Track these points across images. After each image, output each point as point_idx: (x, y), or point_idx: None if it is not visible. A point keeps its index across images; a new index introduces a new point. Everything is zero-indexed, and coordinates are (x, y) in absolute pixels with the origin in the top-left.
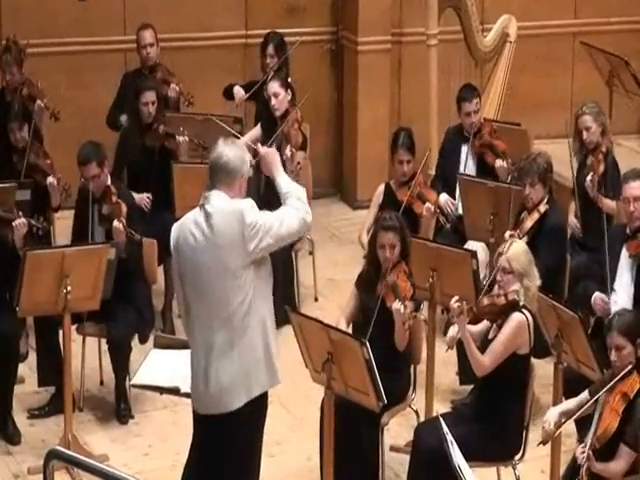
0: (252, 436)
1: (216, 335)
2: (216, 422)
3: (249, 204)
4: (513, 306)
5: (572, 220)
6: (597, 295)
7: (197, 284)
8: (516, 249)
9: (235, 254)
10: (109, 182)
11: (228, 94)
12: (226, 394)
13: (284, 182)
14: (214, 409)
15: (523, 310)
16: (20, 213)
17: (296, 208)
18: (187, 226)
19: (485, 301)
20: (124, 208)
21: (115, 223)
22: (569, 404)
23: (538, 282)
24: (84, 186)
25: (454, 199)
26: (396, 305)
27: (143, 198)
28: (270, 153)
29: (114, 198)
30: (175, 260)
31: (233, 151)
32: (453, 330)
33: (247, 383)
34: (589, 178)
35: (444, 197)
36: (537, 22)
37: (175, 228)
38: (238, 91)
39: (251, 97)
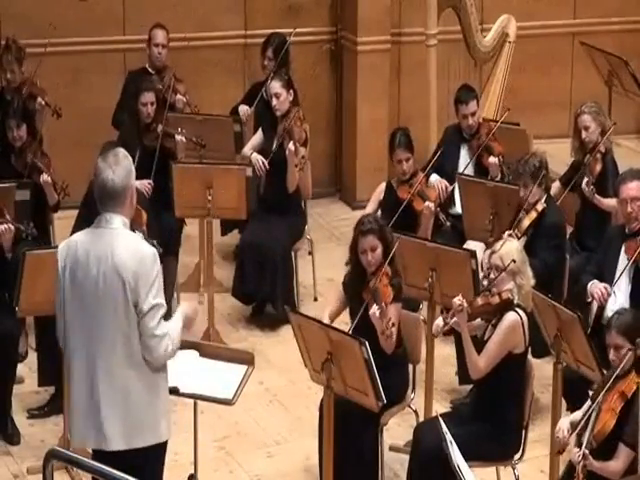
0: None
1: (101, 364)
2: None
3: (155, 254)
4: (507, 305)
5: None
6: (595, 282)
7: (89, 308)
8: (508, 247)
9: (128, 289)
10: None
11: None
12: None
13: (177, 322)
14: (94, 444)
15: (517, 309)
16: (7, 217)
17: (170, 336)
18: (81, 246)
19: (479, 301)
20: (144, 216)
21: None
22: (576, 415)
23: (532, 281)
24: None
25: (454, 200)
26: (371, 311)
27: (144, 184)
28: (193, 312)
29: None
30: (63, 282)
31: (117, 171)
32: (439, 321)
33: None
34: (585, 181)
35: (435, 177)
36: (536, 22)
37: (63, 248)
38: (241, 108)
39: (252, 99)
